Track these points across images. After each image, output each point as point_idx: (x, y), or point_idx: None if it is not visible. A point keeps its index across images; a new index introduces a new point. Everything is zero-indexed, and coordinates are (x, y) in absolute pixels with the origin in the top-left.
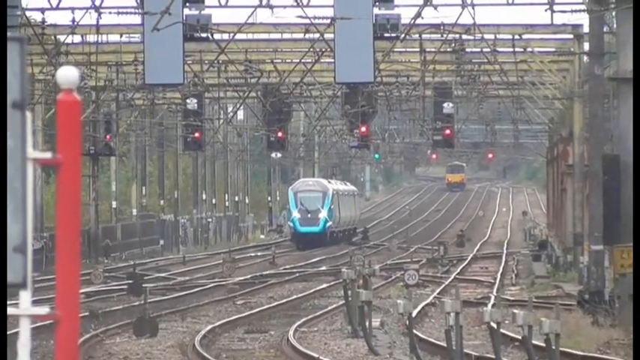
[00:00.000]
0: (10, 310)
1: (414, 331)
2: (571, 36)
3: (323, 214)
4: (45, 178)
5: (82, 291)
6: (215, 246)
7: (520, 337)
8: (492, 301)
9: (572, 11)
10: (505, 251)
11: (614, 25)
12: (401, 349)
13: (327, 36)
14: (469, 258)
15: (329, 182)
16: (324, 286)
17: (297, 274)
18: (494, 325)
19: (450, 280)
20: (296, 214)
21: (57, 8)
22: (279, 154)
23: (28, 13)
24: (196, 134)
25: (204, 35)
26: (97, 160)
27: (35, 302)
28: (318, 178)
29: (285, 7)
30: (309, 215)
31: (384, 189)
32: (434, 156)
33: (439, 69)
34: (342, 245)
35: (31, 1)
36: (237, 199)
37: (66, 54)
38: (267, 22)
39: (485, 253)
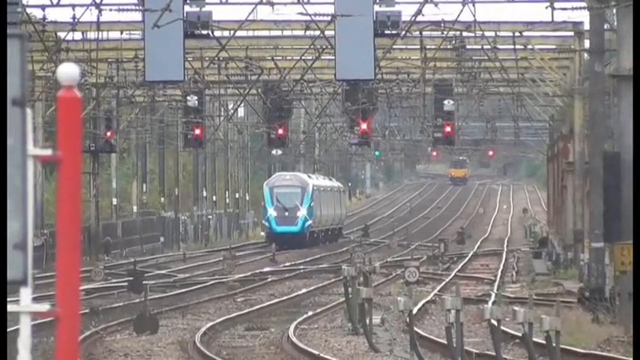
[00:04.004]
0: (10, 307)
1: (415, 328)
2: (571, 33)
3: (302, 212)
4: (46, 175)
5: (82, 288)
6: (215, 243)
7: (520, 335)
8: (493, 298)
9: (572, 8)
10: (505, 248)
11: (615, 23)
12: (401, 347)
13: (327, 33)
14: (469, 255)
15: (309, 177)
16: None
17: (298, 271)
18: (495, 323)
19: (450, 277)
20: (272, 212)
21: (57, 5)
22: (279, 152)
23: (28, 10)
24: (197, 131)
25: (204, 32)
26: (98, 157)
27: (35, 299)
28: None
29: (285, 4)
30: (286, 213)
31: (384, 186)
32: (434, 153)
33: (439, 66)
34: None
35: None
36: (237, 196)
37: (66, 51)
38: (267, 19)
39: (486, 250)
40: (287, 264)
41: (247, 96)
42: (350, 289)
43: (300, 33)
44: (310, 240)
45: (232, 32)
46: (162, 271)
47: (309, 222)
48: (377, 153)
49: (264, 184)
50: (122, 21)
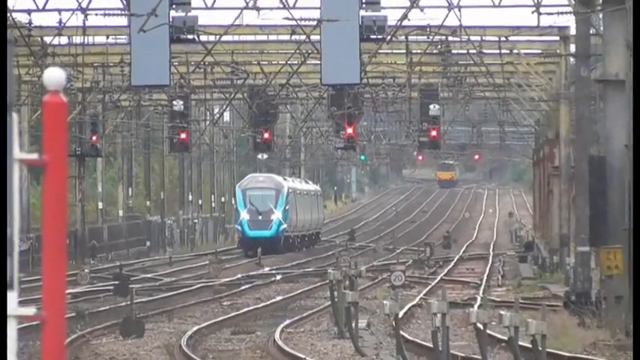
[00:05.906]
0: None
1: (401, 332)
2: (557, 38)
3: (276, 215)
4: (31, 180)
5: (68, 292)
6: (201, 247)
7: (506, 338)
8: (479, 302)
9: (558, 13)
10: (491, 252)
11: (601, 27)
12: (387, 350)
13: (313, 37)
14: (455, 259)
15: (284, 179)
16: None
17: (284, 275)
18: (481, 326)
19: (436, 281)
20: (245, 216)
21: (43, 10)
22: (265, 156)
23: (14, 15)
24: (182, 136)
25: (190, 37)
26: (84, 161)
27: (22, 303)
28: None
29: (271, 8)
30: (259, 217)
31: (370, 190)
32: (420, 158)
33: (425, 71)
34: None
35: (17, 2)
36: (223, 200)
37: (52, 55)
38: (253, 23)
39: (472, 254)
40: (273, 267)
41: (233, 100)
42: (336, 293)
43: (286, 38)
44: (285, 245)
45: (218, 37)
46: (148, 275)
47: (284, 226)
48: (363, 157)
49: (237, 186)
50: (108, 26)
